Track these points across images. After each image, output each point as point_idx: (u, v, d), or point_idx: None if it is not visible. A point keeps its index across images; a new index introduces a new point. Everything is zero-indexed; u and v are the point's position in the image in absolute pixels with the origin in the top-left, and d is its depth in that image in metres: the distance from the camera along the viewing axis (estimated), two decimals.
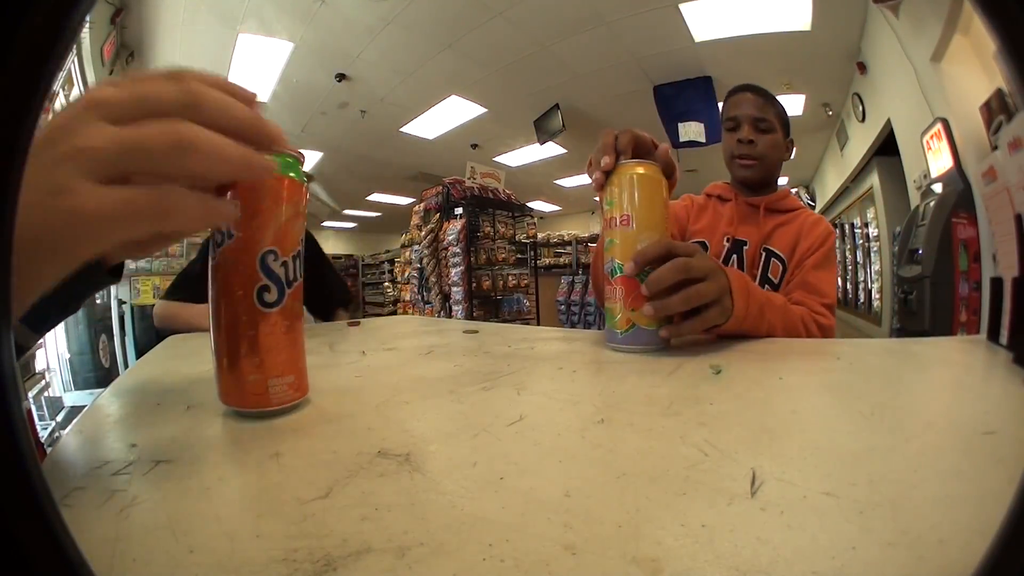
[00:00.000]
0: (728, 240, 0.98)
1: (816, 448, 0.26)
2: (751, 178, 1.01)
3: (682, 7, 3.18)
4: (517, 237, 4.55)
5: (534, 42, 3.66)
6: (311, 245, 1.43)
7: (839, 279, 6.13)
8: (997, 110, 2.14)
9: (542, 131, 4.98)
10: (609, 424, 0.32)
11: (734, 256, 0.97)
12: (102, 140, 0.20)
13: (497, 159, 5.99)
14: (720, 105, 1.12)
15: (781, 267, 0.94)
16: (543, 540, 0.19)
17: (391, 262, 8.10)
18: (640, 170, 0.56)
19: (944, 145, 2.56)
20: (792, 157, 1.06)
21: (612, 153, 0.56)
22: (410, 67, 3.98)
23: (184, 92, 0.22)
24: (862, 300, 5.17)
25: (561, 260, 6.42)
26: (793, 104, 4.36)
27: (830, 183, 5.82)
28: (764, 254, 0.96)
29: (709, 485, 0.23)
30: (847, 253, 5.75)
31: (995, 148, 0.49)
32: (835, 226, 6.21)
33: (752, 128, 0.99)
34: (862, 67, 3.57)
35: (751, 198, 1.01)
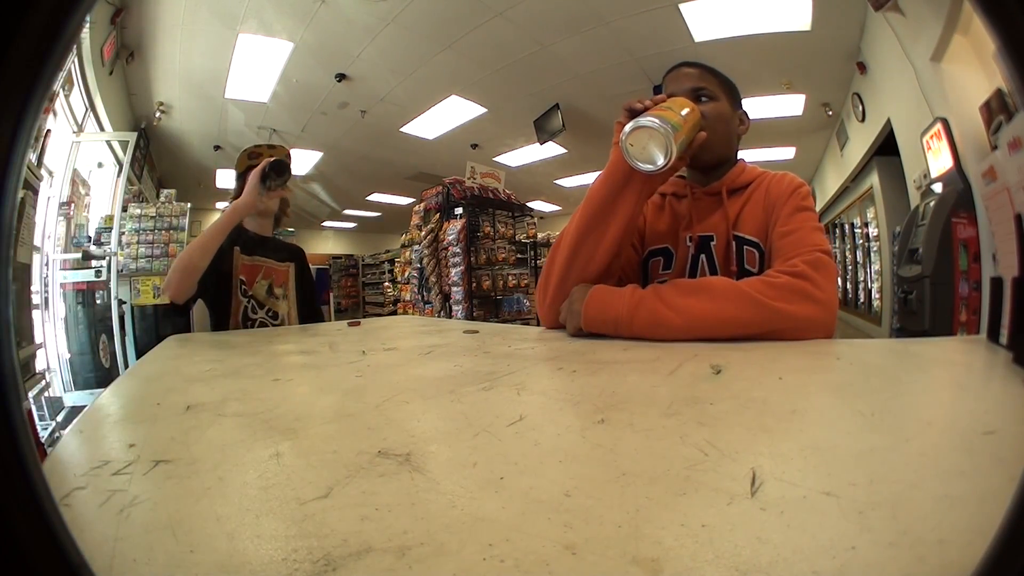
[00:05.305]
0: (691, 241, 0.87)
1: (816, 448, 0.26)
2: (701, 155, 0.81)
3: (682, 7, 3.18)
4: (517, 237, 4.55)
5: (534, 42, 3.66)
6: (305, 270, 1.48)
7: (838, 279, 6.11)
8: (997, 110, 2.14)
9: (542, 131, 4.98)
10: (609, 424, 0.32)
11: (702, 256, 0.86)
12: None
13: (497, 159, 5.99)
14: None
15: (757, 253, 0.82)
16: (543, 540, 0.19)
17: (391, 262, 8.10)
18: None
19: (944, 145, 2.57)
20: (747, 131, 0.93)
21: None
22: (410, 67, 3.99)
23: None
24: (862, 300, 5.17)
25: None
26: (793, 104, 4.35)
27: (830, 183, 5.82)
28: (736, 243, 0.84)
29: (709, 485, 0.23)
30: (847, 253, 5.74)
31: (995, 148, 0.50)
32: (835, 226, 6.21)
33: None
34: (862, 67, 3.57)
35: (708, 186, 0.88)
